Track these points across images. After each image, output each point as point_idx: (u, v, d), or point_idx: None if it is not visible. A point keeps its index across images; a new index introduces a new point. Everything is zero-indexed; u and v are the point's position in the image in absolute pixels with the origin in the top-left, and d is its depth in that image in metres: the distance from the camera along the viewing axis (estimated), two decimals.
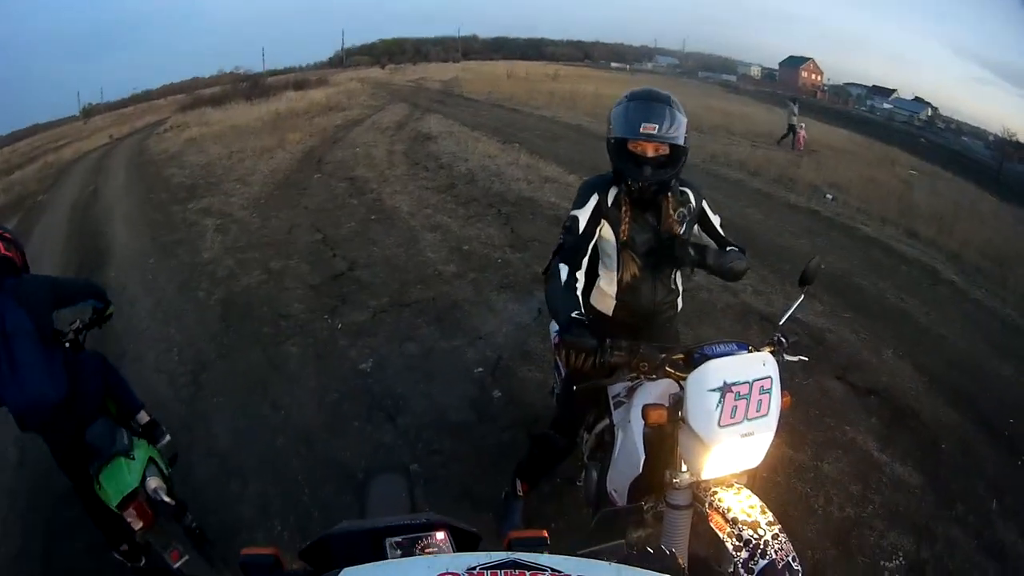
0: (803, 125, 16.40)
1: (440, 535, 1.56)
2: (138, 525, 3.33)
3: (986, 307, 8.21)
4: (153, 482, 3.43)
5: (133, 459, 3.49)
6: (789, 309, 2.97)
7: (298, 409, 5.17)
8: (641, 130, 2.88)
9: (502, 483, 3.95)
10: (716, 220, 3.26)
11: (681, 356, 2.71)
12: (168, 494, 3.54)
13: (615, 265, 3.17)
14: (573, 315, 2.87)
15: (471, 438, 4.68)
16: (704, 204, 3.21)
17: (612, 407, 3.19)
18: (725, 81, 24.29)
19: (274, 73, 23.56)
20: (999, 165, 19.28)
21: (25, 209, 13.50)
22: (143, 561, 3.94)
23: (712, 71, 24.49)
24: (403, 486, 2.25)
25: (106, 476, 3.39)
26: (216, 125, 16.76)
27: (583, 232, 3.06)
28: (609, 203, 3.08)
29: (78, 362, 3.74)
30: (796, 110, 16.47)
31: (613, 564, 1.39)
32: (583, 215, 3.07)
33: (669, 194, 3.08)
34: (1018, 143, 19.19)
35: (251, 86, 21.53)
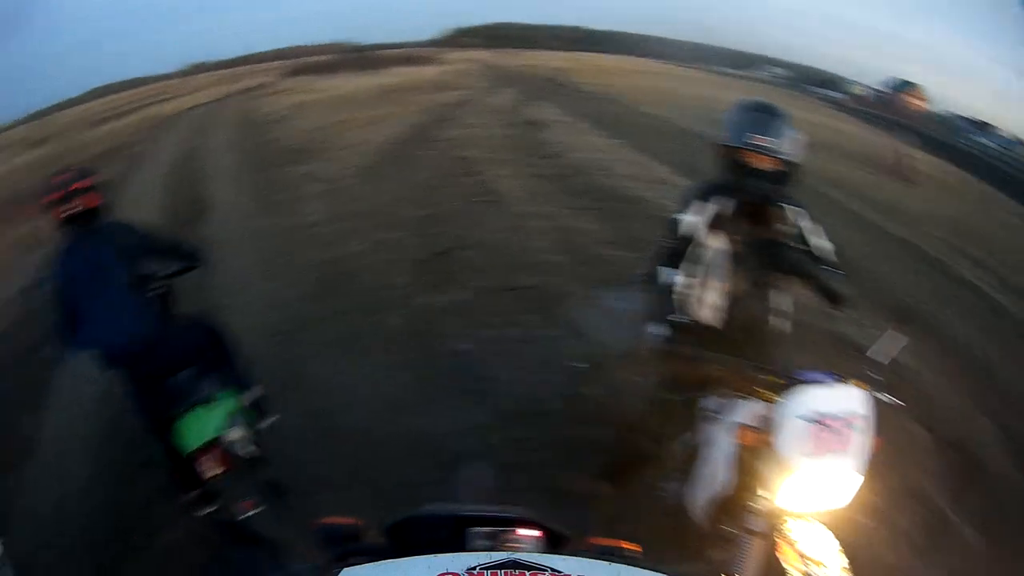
0: (913, 154, 15.76)
1: (527, 532, 1.54)
2: (210, 473, 3.41)
3: None
4: (234, 433, 3.47)
5: (215, 409, 3.55)
6: (886, 348, 2.78)
7: (392, 380, 5.07)
8: (751, 140, 2.86)
9: (587, 479, 3.89)
10: (822, 243, 3.11)
11: (778, 379, 2.66)
12: (249, 447, 3.58)
13: (720, 275, 3.14)
14: (675, 320, 3.01)
15: (561, 431, 4.51)
16: (809, 225, 3.09)
17: (703, 419, 3.13)
18: (831, 98, 23.56)
19: (383, 47, 23.71)
20: None
21: (123, 159, 13.80)
22: (211, 508, 3.95)
23: (819, 85, 23.77)
24: (491, 474, 2.18)
25: (186, 423, 3.46)
26: (323, 93, 16.87)
27: (687, 236, 3.08)
28: (716, 211, 3.07)
29: (172, 312, 3.84)
30: (908, 139, 15.81)
31: (613, 564, 1.39)
32: (689, 220, 3.08)
33: (777, 208, 3.00)
34: None
35: (360, 57, 21.66)
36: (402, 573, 1.35)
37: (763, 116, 2.91)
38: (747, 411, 2.75)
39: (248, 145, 12.96)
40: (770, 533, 2.60)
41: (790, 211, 3.04)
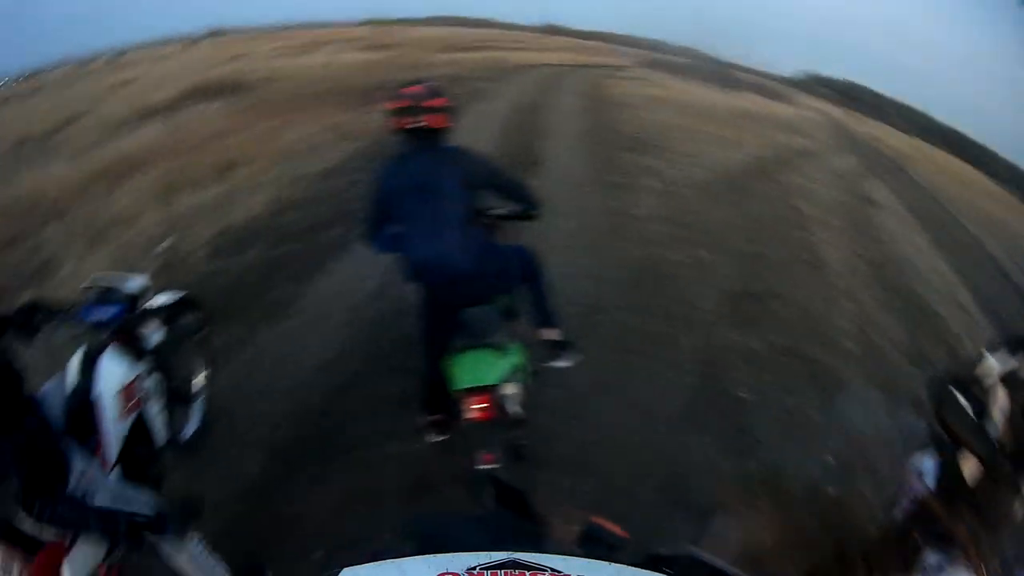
0: None
1: None
2: (471, 416, 3.42)
3: None
4: (511, 388, 3.48)
5: (503, 358, 3.56)
6: None
7: (659, 394, 5.16)
8: None
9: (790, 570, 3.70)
10: None
11: (1008, 566, 2.57)
12: (518, 407, 3.60)
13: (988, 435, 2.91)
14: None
15: (793, 513, 4.22)
16: None
17: (919, 571, 2.91)
18: None
19: (740, 68, 23.38)
20: None
21: (466, 92, 14.51)
22: (442, 438, 4.17)
23: None
24: (740, 532, 2.12)
25: (468, 360, 3.51)
26: (676, 94, 16.94)
27: (977, 378, 2.94)
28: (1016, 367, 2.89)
29: (497, 247, 3.88)
30: None
31: (613, 564, 1.39)
32: (990, 364, 2.92)
33: None
34: None
35: (717, 71, 21.51)
36: (402, 573, 1.38)
37: None
38: None
39: (593, 120, 13.26)
40: None
41: None
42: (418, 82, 3.64)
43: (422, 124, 3.53)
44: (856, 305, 7.80)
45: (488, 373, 3.44)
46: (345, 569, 1.38)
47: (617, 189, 8.88)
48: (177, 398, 3.79)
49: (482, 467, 3.48)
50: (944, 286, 10.01)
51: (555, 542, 1.69)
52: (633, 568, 1.41)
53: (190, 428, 4.18)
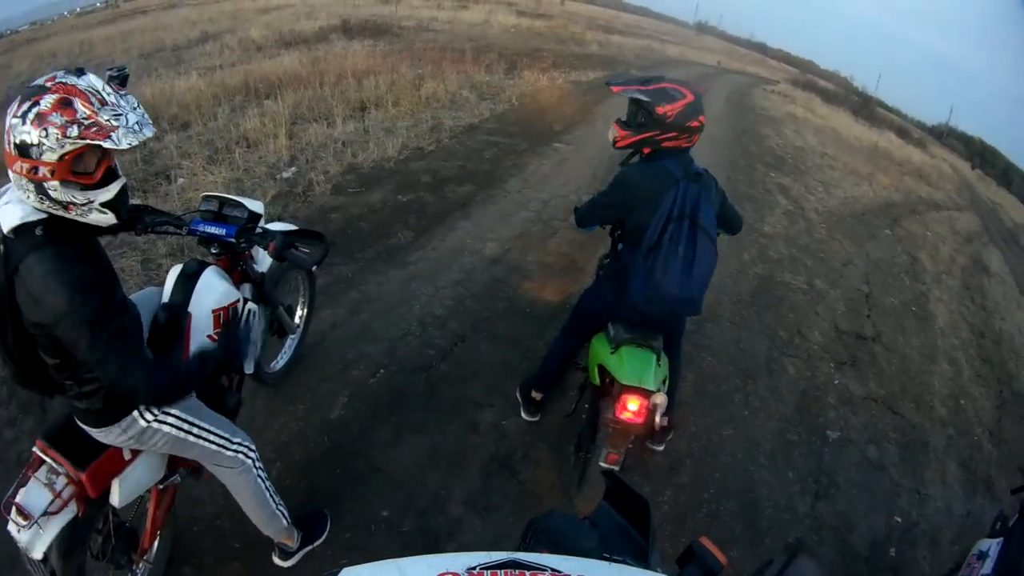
0: None
1: None
2: (632, 419, 3.20)
3: None
4: (660, 398, 3.21)
5: (660, 364, 3.34)
6: None
7: (761, 420, 4.96)
8: None
9: None
10: None
11: None
12: (664, 419, 3.30)
13: None
14: None
15: (850, 567, 4.14)
16: None
17: None
18: None
19: (881, 105, 22.60)
20: None
21: (617, 71, 14.21)
22: (536, 418, 4.21)
23: None
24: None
25: (632, 355, 3.29)
26: (819, 118, 16.33)
27: None
28: None
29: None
30: None
31: (613, 564, 1.36)
32: None
33: None
34: None
35: (861, 104, 20.78)
36: (402, 573, 1.32)
37: None
38: None
39: (737, 127, 12.87)
40: None
41: None
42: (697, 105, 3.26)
43: (684, 145, 3.28)
44: (954, 369, 7.38)
45: (650, 376, 3.25)
46: (345, 569, 1.33)
47: (750, 201, 8.56)
48: (273, 329, 3.72)
49: (604, 465, 3.36)
50: None
51: (658, 556, 1.59)
52: (632, 568, 1.38)
53: (281, 361, 4.18)
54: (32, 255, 1.90)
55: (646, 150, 3.33)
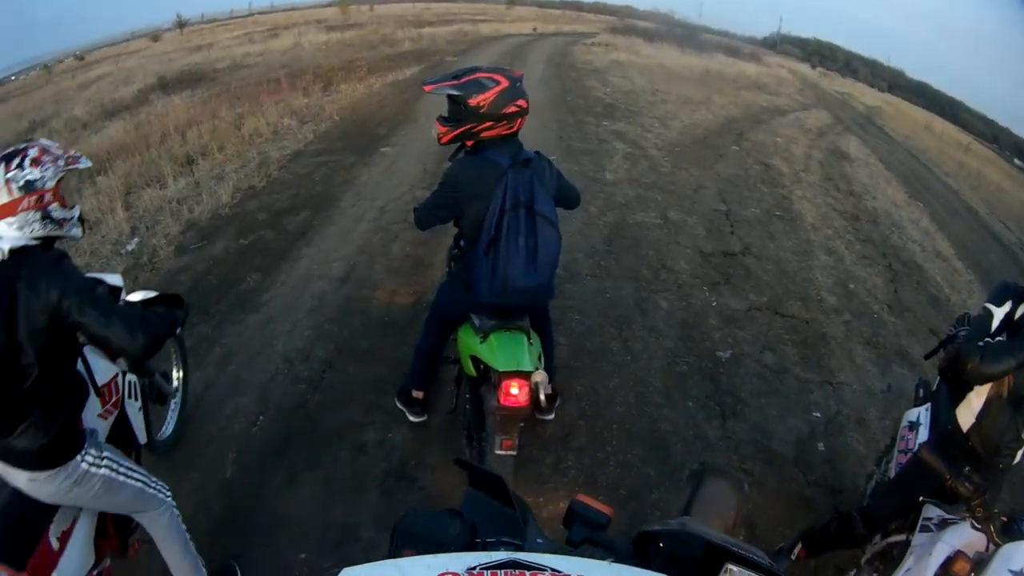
0: None
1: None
2: (517, 402, 3.21)
3: None
4: (540, 376, 3.22)
5: (531, 342, 3.38)
6: None
7: (645, 360, 5.02)
8: None
9: (785, 532, 3.73)
10: None
11: (1005, 518, 2.54)
12: (544, 393, 3.29)
13: (990, 383, 2.79)
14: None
15: (780, 474, 4.29)
16: None
17: (918, 527, 2.89)
18: None
19: (707, 30, 23.47)
20: None
21: (431, 64, 14.39)
22: (421, 419, 4.19)
23: None
24: (734, 500, 1.99)
25: (502, 340, 3.32)
26: (645, 58, 16.83)
27: (993, 333, 2.79)
28: (1017, 314, 2.79)
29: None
30: None
31: (613, 564, 1.36)
32: (998, 313, 2.81)
33: None
34: None
35: (685, 35, 21.51)
36: (402, 573, 1.34)
37: None
38: (967, 538, 2.59)
39: (561, 87, 13.13)
40: None
41: None
42: (516, 87, 3.31)
43: (511, 131, 3.30)
44: (835, 257, 7.72)
45: (525, 358, 3.27)
46: (345, 569, 1.30)
47: (586, 155, 8.72)
48: (153, 397, 3.62)
49: (501, 453, 3.36)
50: (923, 237, 9.98)
51: (540, 526, 1.60)
52: (632, 568, 1.36)
53: (168, 428, 4.09)
54: (38, 257, 2.41)
55: (469, 143, 3.36)
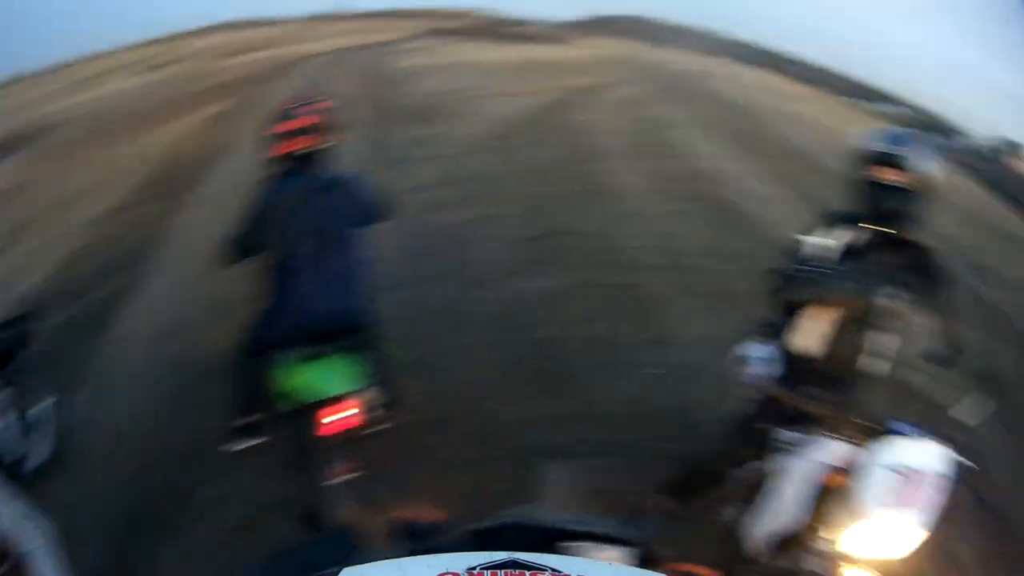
0: None
1: (615, 549, 1.46)
2: (335, 428, 3.28)
3: None
4: (360, 397, 3.33)
5: (350, 361, 3.40)
6: (971, 411, 2.90)
7: (472, 356, 5.19)
8: (899, 151, 2.81)
9: (648, 491, 3.76)
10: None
11: (867, 424, 2.67)
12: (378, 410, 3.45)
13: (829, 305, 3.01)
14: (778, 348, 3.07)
15: (629, 436, 4.46)
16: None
17: (777, 452, 3.07)
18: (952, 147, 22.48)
19: (517, 22, 23.78)
20: None
21: (242, 95, 14.17)
22: (262, 440, 3.93)
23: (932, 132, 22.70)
24: (580, 476, 2.09)
25: (314, 369, 3.33)
26: (453, 59, 16.97)
27: (817, 257, 2.97)
28: (846, 238, 2.99)
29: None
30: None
31: (613, 564, 1.39)
32: (821, 241, 3.00)
33: (909, 235, 2.94)
34: None
35: (493, 29, 21.74)
36: (402, 573, 1.34)
37: (908, 135, 2.87)
38: (829, 450, 2.73)
39: (374, 99, 13.10)
40: (824, 575, 2.62)
41: (923, 241, 2.97)
42: (304, 100, 3.51)
43: (302, 148, 3.41)
44: (654, 221, 7.99)
45: (339, 382, 3.31)
46: (345, 569, 1.29)
47: (397, 164, 8.75)
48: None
49: (333, 482, 3.38)
50: (747, 186, 10.43)
51: (376, 548, 1.60)
52: (632, 569, 1.41)
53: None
54: None
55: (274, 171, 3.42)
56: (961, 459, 2.59)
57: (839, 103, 21.18)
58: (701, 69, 21.50)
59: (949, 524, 4.37)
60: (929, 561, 4.03)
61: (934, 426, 2.67)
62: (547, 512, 1.62)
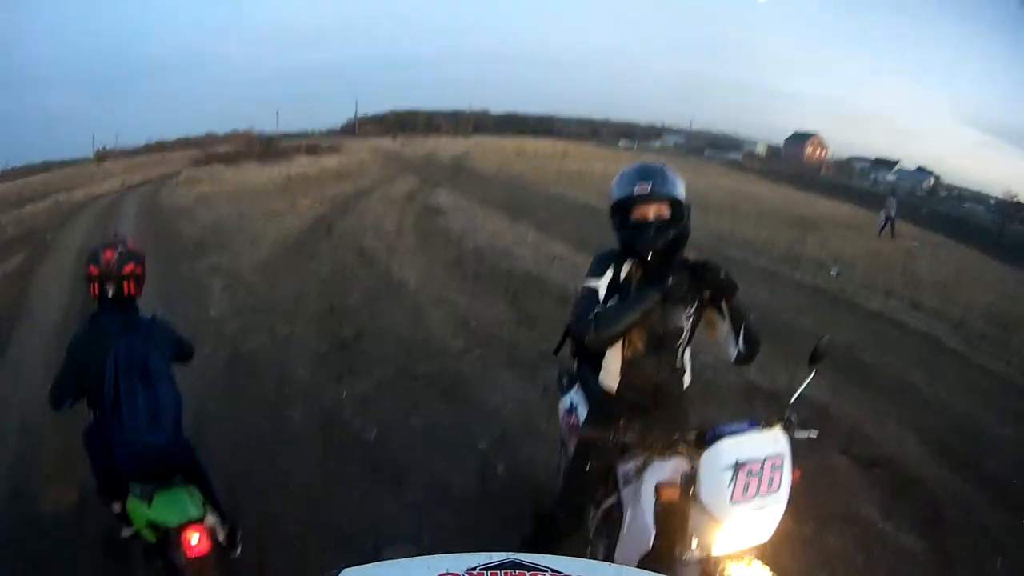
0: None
1: None
2: (200, 550, 3.26)
3: (989, 371, 8.27)
4: (211, 519, 3.35)
5: (194, 493, 3.43)
6: (799, 387, 2.94)
7: (298, 474, 5.09)
8: (636, 190, 2.92)
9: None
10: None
11: (694, 435, 2.72)
12: (222, 533, 3.46)
13: (620, 342, 3.10)
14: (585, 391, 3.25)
15: (475, 513, 4.59)
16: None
17: (621, 484, 3.11)
18: (731, 160, 24.57)
19: (287, 137, 23.94)
20: (1001, 228, 19.58)
21: (34, 245, 13.51)
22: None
23: (719, 148, 24.84)
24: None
25: (165, 498, 3.35)
26: (228, 184, 16.88)
27: (602, 302, 3.00)
28: (621, 276, 3.06)
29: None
30: (894, 203, 17.72)
31: (613, 565, 1.51)
32: (601, 284, 3.04)
33: (678, 255, 3.03)
34: (1019, 204, 19.39)
35: (264, 148, 21.84)
36: (402, 573, 1.46)
37: (642, 168, 3.00)
38: (666, 469, 2.81)
39: (152, 235, 12.82)
40: None
41: (692, 256, 3.07)
42: (115, 244, 3.50)
43: (120, 292, 3.45)
44: (447, 307, 8.33)
45: (191, 507, 3.30)
46: (346, 569, 1.40)
47: (187, 299, 8.61)
48: None
49: None
50: (533, 251, 11.00)
51: None
52: (632, 569, 1.53)
53: None
54: None
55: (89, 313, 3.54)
56: (798, 433, 2.70)
57: (617, 149, 22.54)
58: (467, 150, 22.38)
59: (836, 489, 4.90)
60: (828, 526, 4.46)
61: (769, 412, 2.79)
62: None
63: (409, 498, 4.78)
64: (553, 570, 1.36)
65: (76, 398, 3.58)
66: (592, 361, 3.24)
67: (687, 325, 3.09)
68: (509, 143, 23.31)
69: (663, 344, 3.10)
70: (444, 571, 1.34)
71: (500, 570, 1.35)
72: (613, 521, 3.16)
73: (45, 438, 5.77)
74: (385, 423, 5.72)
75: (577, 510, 3.46)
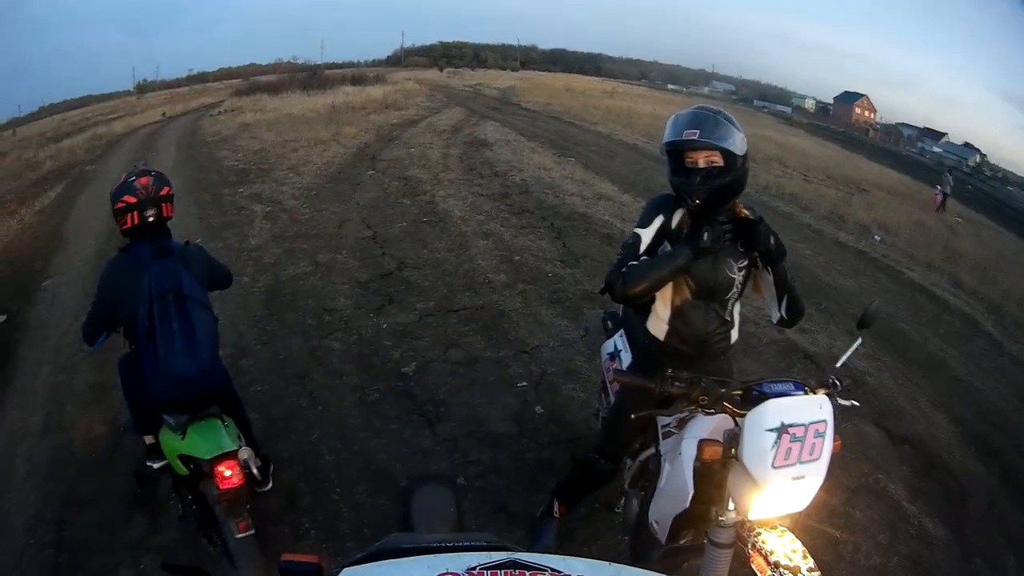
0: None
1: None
2: (233, 483, 3.25)
3: (1020, 362, 7.90)
4: (245, 452, 3.31)
5: (228, 426, 3.43)
6: (847, 352, 2.84)
7: (336, 404, 5.08)
8: (684, 135, 2.80)
9: (539, 500, 3.86)
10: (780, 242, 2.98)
11: (739, 392, 2.63)
12: (258, 465, 3.40)
13: (670, 288, 3.01)
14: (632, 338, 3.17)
15: (510, 452, 4.54)
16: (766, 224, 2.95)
17: (660, 436, 3.08)
18: (780, 112, 23.92)
19: (332, 66, 23.68)
20: None
21: (73, 177, 13.59)
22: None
23: (767, 101, 24.21)
24: (450, 499, 2.15)
25: (199, 430, 3.34)
26: (271, 113, 16.74)
27: (644, 252, 2.94)
28: (673, 224, 2.96)
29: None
30: (951, 180, 16.75)
31: (613, 564, 1.41)
32: (646, 234, 2.96)
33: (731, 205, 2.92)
34: None
35: (309, 77, 21.61)
36: (402, 573, 1.36)
37: (695, 113, 2.88)
38: (709, 425, 2.73)
39: (195, 166, 12.81)
40: (735, 543, 2.62)
41: (746, 208, 2.98)
42: (144, 172, 3.50)
43: (153, 218, 3.43)
44: (492, 240, 8.17)
45: (225, 439, 3.31)
46: (346, 569, 1.33)
47: (228, 228, 8.56)
48: None
49: (241, 535, 3.30)
50: (580, 188, 10.78)
51: None
52: (632, 568, 1.42)
53: None
54: None
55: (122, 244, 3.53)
56: (842, 401, 2.64)
57: (666, 92, 22.11)
58: (514, 84, 22.03)
59: (866, 462, 4.78)
60: (856, 500, 4.37)
61: (813, 376, 2.72)
62: (414, 536, 1.71)
63: (445, 432, 4.74)
64: (553, 570, 1.34)
65: (110, 332, 3.57)
66: (640, 305, 3.17)
67: (739, 277, 2.98)
68: (557, 78, 22.85)
69: (714, 295, 3.02)
70: (444, 571, 1.31)
71: (500, 569, 1.32)
72: (649, 475, 3.15)
73: (79, 369, 5.81)
74: (424, 356, 5.65)
75: (614, 458, 3.41)
